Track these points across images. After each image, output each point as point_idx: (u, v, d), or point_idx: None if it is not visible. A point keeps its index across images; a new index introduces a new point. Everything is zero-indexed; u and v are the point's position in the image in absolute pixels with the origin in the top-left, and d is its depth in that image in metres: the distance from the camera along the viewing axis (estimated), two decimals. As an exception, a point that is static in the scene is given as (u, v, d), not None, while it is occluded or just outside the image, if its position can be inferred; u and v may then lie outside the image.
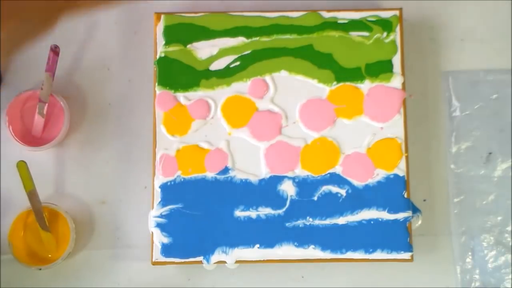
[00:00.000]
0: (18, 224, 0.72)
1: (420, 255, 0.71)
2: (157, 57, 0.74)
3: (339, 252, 0.70)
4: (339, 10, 0.74)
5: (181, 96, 0.73)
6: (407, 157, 0.72)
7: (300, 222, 0.71)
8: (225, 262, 0.71)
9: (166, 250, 0.70)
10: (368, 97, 0.73)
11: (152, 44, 0.74)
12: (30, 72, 0.76)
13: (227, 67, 0.74)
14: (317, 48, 0.73)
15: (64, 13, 0.78)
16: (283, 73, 0.73)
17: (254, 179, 0.72)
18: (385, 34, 0.73)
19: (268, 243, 0.70)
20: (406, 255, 0.70)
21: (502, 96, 0.75)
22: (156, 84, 0.73)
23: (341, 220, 0.70)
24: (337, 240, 0.70)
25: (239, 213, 0.71)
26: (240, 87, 0.73)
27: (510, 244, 0.73)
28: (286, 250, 0.70)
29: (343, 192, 0.71)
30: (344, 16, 0.74)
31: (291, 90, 0.73)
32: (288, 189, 0.71)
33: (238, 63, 0.74)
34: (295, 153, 0.72)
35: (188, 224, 0.71)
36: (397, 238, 0.70)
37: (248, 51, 0.74)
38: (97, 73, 0.77)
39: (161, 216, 0.71)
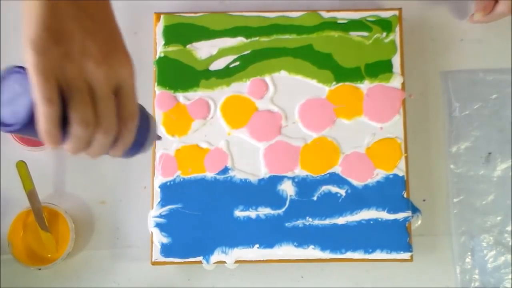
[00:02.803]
0: (18, 224, 0.72)
1: (419, 255, 0.71)
2: (157, 57, 0.74)
3: (339, 252, 0.70)
4: (338, 10, 0.74)
5: (181, 96, 0.73)
6: (406, 157, 0.72)
7: (299, 222, 0.71)
8: (224, 262, 0.71)
9: (166, 250, 0.71)
10: (368, 97, 0.73)
11: (151, 44, 0.75)
12: (30, 72, 0.76)
13: (227, 67, 0.74)
14: (316, 48, 0.73)
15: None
16: (283, 73, 0.73)
17: (253, 179, 0.72)
18: (384, 34, 0.74)
19: (268, 243, 0.70)
20: (406, 255, 0.70)
21: (502, 96, 0.75)
22: (156, 84, 0.73)
23: (341, 220, 0.70)
24: (337, 240, 0.70)
25: (238, 213, 0.71)
26: (240, 87, 0.73)
27: (510, 244, 0.72)
28: (286, 250, 0.70)
29: (342, 192, 0.71)
30: (344, 16, 0.74)
31: (291, 90, 0.73)
32: (287, 189, 0.71)
33: (237, 63, 0.74)
34: (294, 153, 0.72)
35: (187, 224, 0.71)
36: (396, 238, 0.70)
37: (248, 51, 0.74)
38: (97, 73, 0.77)
39: (160, 216, 0.71)
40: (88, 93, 0.47)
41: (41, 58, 0.44)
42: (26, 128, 0.48)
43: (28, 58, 0.45)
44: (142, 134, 0.59)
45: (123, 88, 0.50)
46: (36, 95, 0.45)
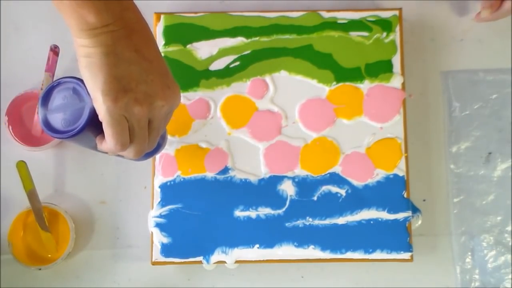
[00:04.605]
0: (18, 224, 0.72)
1: (420, 255, 0.71)
2: (157, 57, 0.74)
3: (339, 252, 0.70)
4: (338, 10, 0.74)
5: (181, 96, 0.73)
6: (407, 157, 0.72)
7: (299, 222, 0.71)
8: (225, 262, 0.71)
9: (166, 250, 0.71)
10: (368, 97, 0.73)
11: (152, 44, 0.74)
12: (30, 72, 0.76)
13: (227, 67, 0.74)
14: (316, 48, 0.73)
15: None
16: (283, 73, 0.73)
17: (253, 179, 0.72)
18: (384, 34, 0.74)
19: (268, 243, 0.70)
20: (406, 255, 0.70)
21: (502, 96, 0.75)
22: (156, 84, 0.73)
23: (341, 220, 0.70)
24: (337, 240, 0.70)
25: (239, 213, 0.71)
26: (240, 87, 0.73)
27: (510, 244, 0.72)
28: (286, 250, 0.70)
29: (342, 192, 0.71)
30: (344, 16, 0.74)
31: (291, 90, 0.73)
32: (287, 189, 0.71)
33: (238, 63, 0.74)
34: (294, 153, 0.72)
35: (188, 224, 0.71)
36: (397, 238, 0.70)
37: (248, 51, 0.74)
38: (97, 73, 0.77)
39: (160, 216, 0.71)
40: (148, 127, 0.51)
41: (113, 107, 0.47)
42: (75, 137, 0.50)
43: (100, 108, 0.48)
44: (160, 142, 0.64)
45: (170, 113, 0.54)
46: (110, 139, 0.49)
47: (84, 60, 0.48)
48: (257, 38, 0.74)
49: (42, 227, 0.71)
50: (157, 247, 0.71)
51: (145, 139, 0.52)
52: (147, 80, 0.49)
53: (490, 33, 0.77)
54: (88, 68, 0.48)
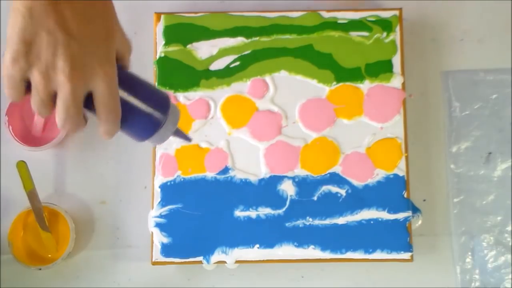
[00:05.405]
0: (18, 224, 0.72)
1: (420, 255, 0.71)
2: (157, 57, 0.74)
3: (339, 252, 0.70)
4: (339, 10, 0.74)
5: (181, 96, 0.73)
6: (407, 157, 0.72)
7: (300, 222, 0.71)
8: (225, 262, 0.71)
9: (166, 250, 0.71)
10: (368, 97, 0.73)
11: (152, 44, 0.75)
12: (30, 72, 0.76)
13: (227, 67, 0.74)
14: (317, 48, 0.73)
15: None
16: (283, 73, 0.73)
17: (254, 179, 0.72)
18: (385, 34, 0.74)
19: (268, 243, 0.70)
20: (406, 255, 0.70)
21: (502, 96, 0.75)
22: (156, 84, 0.73)
23: (341, 220, 0.70)
24: (337, 240, 0.70)
25: (239, 213, 0.71)
26: (240, 87, 0.73)
27: (510, 244, 0.72)
28: (286, 250, 0.70)
29: (343, 192, 0.71)
30: (344, 16, 0.74)
31: (291, 90, 0.73)
32: (288, 189, 0.71)
33: (238, 63, 0.74)
34: (294, 153, 0.72)
35: (188, 224, 0.71)
36: (397, 238, 0.70)
37: (248, 51, 0.74)
38: (97, 73, 0.77)
39: (160, 216, 0.71)
40: (50, 96, 0.48)
41: (11, 68, 0.47)
42: None
43: (3, 64, 0.48)
44: (150, 122, 0.56)
45: (95, 94, 0.50)
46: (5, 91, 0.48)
47: (11, 18, 0.48)
48: (257, 38, 0.74)
49: (42, 227, 0.71)
50: (157, 247, 0.71)
51: (42, 103, 0.49)
52: (57, 52, 0.47)
53: (490, 33, 0.77)
54: (9, 25, 0.48)
